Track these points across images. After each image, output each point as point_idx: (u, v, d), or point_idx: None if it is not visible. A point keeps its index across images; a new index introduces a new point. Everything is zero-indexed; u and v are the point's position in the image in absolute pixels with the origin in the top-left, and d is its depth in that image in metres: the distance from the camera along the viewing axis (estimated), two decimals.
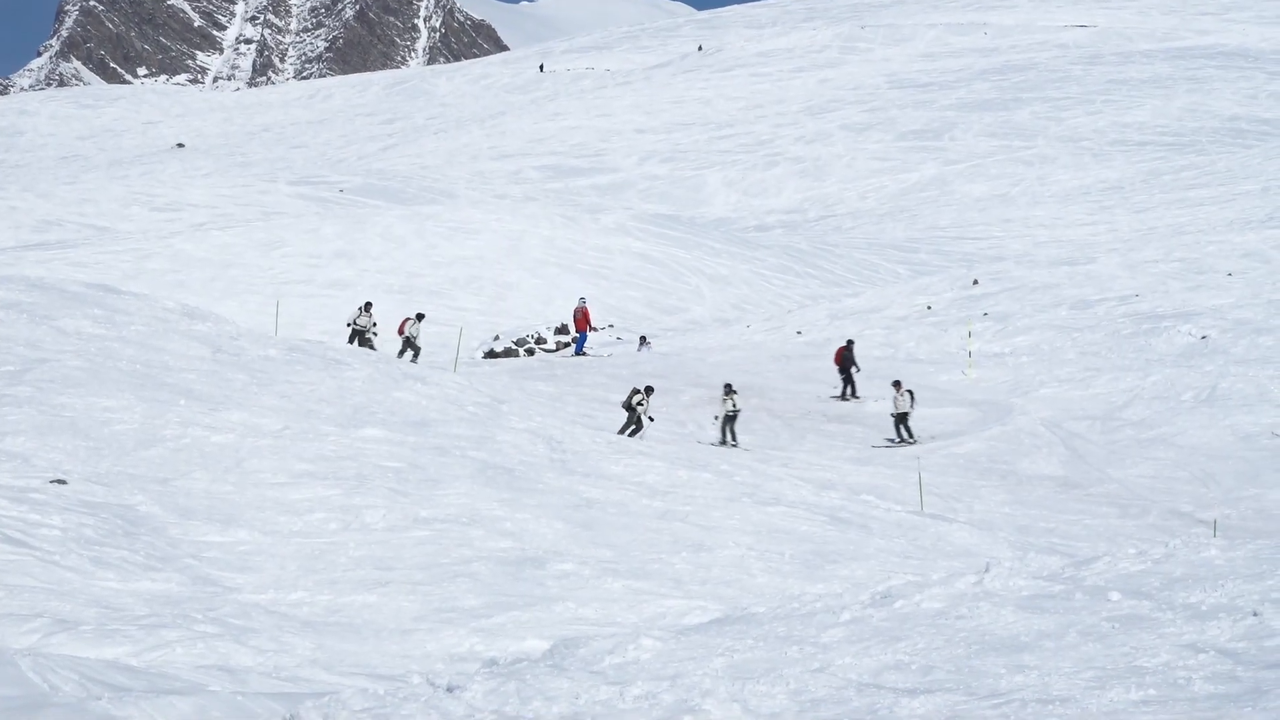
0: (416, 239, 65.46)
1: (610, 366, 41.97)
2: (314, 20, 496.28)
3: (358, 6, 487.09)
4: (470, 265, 63.13)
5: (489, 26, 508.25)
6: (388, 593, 16.69)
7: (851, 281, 68.14)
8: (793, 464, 30.58)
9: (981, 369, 42.89)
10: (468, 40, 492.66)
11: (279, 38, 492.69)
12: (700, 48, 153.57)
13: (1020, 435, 34.47)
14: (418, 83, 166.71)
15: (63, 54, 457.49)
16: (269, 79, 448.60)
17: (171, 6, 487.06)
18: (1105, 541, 24.87)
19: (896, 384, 35.14)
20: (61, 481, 19.09)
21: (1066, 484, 31.23)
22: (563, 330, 53.40)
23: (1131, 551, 13.04)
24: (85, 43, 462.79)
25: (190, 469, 20.96)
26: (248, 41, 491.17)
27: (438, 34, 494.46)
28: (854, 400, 38.25)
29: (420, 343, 38.86)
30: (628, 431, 31.51)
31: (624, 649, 11.04)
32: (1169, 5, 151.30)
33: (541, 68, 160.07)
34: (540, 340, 53.32)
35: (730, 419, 32.78)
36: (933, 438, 34.73)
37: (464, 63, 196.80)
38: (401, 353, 37.93)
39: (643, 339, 49.46)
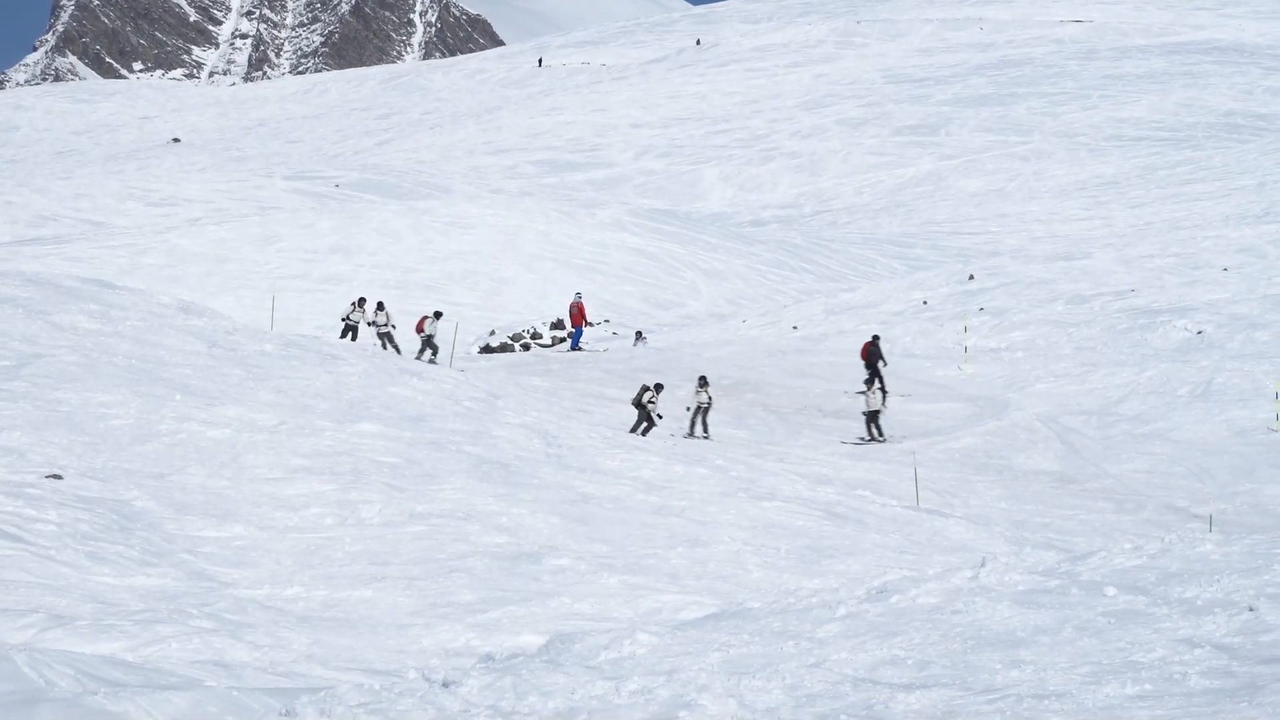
0: (412, 234, 65.44)
1: (606, 362, 41.94)
2: (309, 15, 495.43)
3: (353, 1, 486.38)
4: (466, 260, 63.13)
5: (485, 21, 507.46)
6: (383, 588, 16.69)
7: (847, 277, 68.17)
8: (788, 459, 30.56)
9: (977, 364, 42.91)
10: (463, 35, 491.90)
11: (274, 32, 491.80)
12: (699, 41, 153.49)
13: (1016, 430, 34.44)
14: (413, 78, 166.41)
15: (58, 49, 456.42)
16: (264, 74, 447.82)
17: (167, 1, 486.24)
18: (1101, 537, 24.87)
19: (868, 382, 34.96)
20: (57, 476, 19.07)
21: (1062, 479, 31.22)
22: (558, 325, 53.40)
23: (1127, 547, 13.05)
24: (81, 37, 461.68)
25: (186, 464, 20.95)
26: (243, 36, 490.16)
27: (433, 29, 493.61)
28: (884, 396, 37.43)
29: (439, 341, 37.52)
30: (639, 430, 31.40)
31: (620, 644, 11.03)
32: (1165, 0, 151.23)
33: (540, 62, 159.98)
34: (536, 335, 53.32)
35: (702, 411, 32.76)
36: (927, 434, 34.74)
37: (460, 57, 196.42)
38: (421, 352, 36.98)
39: (639, 334, 49.49)
